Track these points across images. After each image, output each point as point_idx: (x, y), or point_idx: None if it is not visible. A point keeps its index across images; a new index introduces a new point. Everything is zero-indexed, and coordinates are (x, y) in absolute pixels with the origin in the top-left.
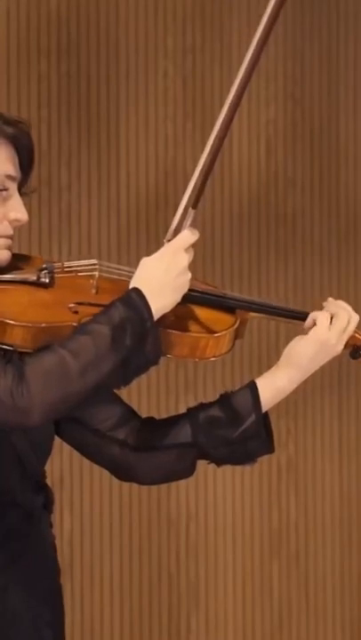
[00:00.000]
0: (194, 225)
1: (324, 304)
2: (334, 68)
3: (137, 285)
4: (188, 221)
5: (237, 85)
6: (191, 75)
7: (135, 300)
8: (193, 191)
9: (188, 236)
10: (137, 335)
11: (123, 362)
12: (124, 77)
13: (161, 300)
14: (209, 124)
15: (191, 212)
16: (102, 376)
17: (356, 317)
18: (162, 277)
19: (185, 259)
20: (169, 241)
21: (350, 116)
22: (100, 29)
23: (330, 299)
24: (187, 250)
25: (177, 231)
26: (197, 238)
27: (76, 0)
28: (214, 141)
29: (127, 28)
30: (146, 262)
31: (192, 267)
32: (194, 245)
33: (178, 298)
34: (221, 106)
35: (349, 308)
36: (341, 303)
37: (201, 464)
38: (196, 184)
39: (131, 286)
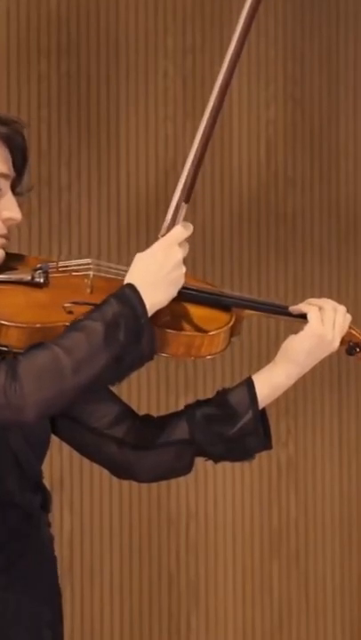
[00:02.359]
0: (187, 219)
1: (304, 308)
2: (334, 67)
3: (131, 281)
4: (182, 216)
5: (221, 82)
6: (191, 75)
7: (129, 296)
8: (184, 186)
9: (181, 231)
10: (131, 331)
11: (117, 358)
12: (124, 77)
13: (156, 296)
14: None
15: (184, 206)
16: (96, 373)
17: (342, 308)
18: (156, 272)
19: (179, 253)
20: (163, 236)
21: (350, 116)
22: (100, 29)
23: (309, 300)
24: (181, 244)
25: (170, 226)
26: (191, 232)
27: (76, 0)
28: (202, 136)
29: (127, 28)
30: (140, 258)
31: (192, 266)
32: (194, 245)
33: (173, 292)
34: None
35: (332, 301)
36: (322, 299)
37: (201, 463)
38: (187, 179)
39: (125, 282)
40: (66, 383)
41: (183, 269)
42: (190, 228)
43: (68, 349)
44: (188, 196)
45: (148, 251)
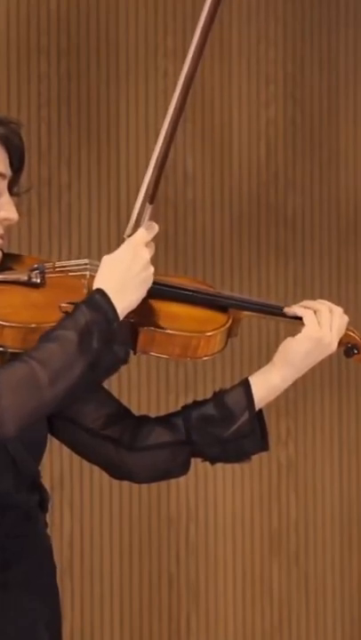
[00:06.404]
0: (188, 219)
1: (299, 311)
2: (334, 68)
3: (100, 285)
4: (147, 216)
5: (185, 74)
6: None
7: (99, 302)
8: (149, 186)
9: (147, 232)
10: (104, 337)
11: (92, 365)
12: (124, 77)
13: (126, 298)
14: (209, 124)
15: (149, 206)
16: (73, 381)
17: (338, 310)
18: (124, 275)
19: (146, 253)
20: (129, 236)
21: (350, 116)
22: (100, 29)
23: (304, 302)
24: (147, 244)
25: (136, 227)
26: (156, 232)
27: (76, 0)
28: (165, 137)
29: (127, 28)
30: (107, 261)
31: (193, 266)
32: (194, 245)
33: (143, 293)
34: (221, 106)
35: (328, 303)
36: (319, 300)
37: (201, 463)
38: (151, 179)
39: (94, 287)
40: (44, 395)
41: (151, 269)
42: (155, 227)
43: (44, 362)
44: (152, 196)
45: (115, 253)
